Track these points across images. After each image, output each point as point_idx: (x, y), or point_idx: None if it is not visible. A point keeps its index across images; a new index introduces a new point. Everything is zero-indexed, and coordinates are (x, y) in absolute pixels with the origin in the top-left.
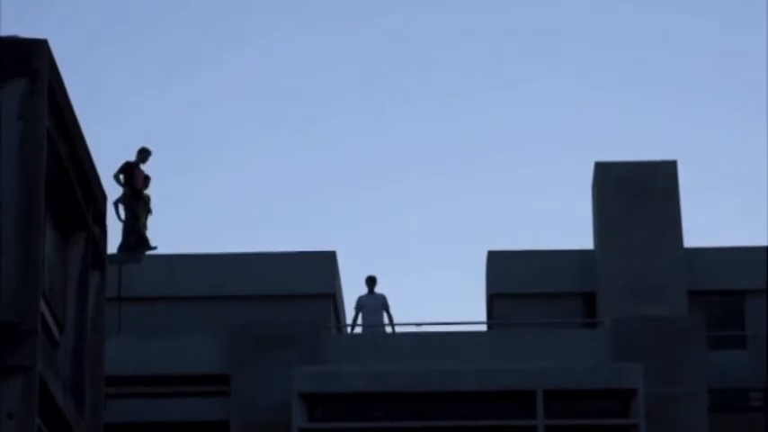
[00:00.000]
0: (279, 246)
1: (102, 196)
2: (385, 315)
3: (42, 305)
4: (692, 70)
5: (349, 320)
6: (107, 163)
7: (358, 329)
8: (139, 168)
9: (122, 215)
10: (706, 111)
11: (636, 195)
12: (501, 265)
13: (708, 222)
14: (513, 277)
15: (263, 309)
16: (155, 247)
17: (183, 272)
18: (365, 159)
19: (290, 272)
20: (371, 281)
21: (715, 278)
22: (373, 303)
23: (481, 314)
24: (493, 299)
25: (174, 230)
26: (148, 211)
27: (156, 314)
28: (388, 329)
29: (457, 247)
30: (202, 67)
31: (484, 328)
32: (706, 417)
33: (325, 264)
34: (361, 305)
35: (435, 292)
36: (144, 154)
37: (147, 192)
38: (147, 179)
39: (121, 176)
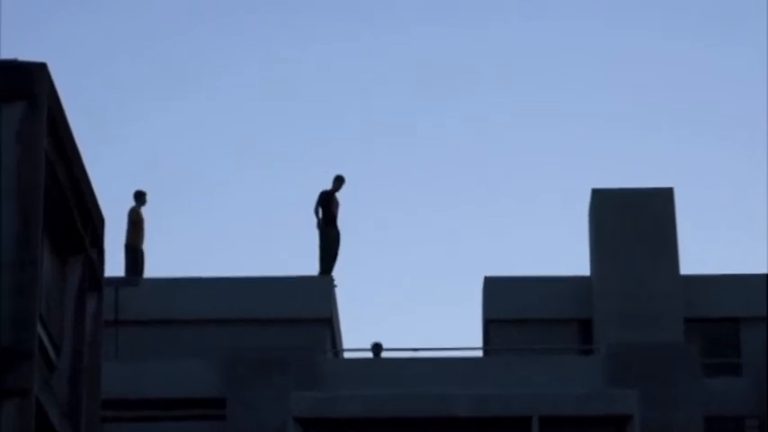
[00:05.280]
0: (276, 270)
1: (100, 219)
2: None
3: (39, 328)
4: (689, 97)
5: (345, 345)
6: (106, 186)
7: (353, 354)
8: (334, 196)
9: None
10: (703, 138)
11: (632, 222)
12: (497, 291)
13: (704, 249)
14: (509, 303)
15: (259, 333)
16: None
17: (180, 295)
18: (362, 185)
19: (286, 296)
20: (377, 348)
21: (711, 305)
22: None
23: (477, 340)
24: (489, 325)
25: (171, 254)
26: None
27: (152, 337)
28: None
29: (453, 272)
30: (202, 91)
31: (480, 353)
32: None
33: (321, 288)
34: None
35: (432, 318)
36: (338, 182)
37: (143, 214)
38: (142, 195)
39: (320, 208)
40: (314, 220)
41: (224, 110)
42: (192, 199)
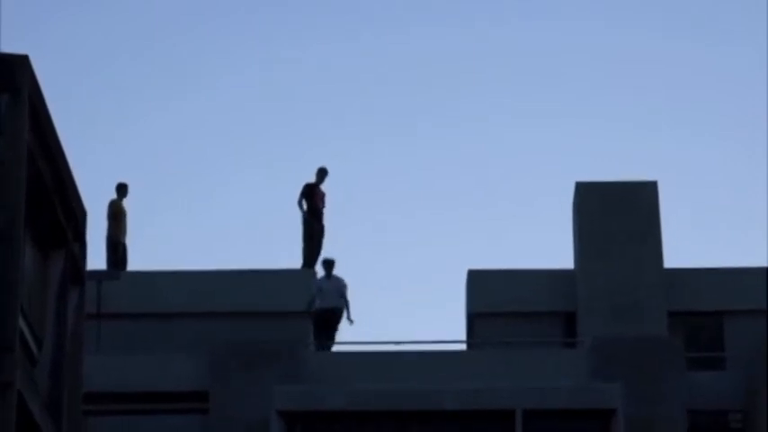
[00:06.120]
0: (258, 263)
1: (82, 213)
2: (343, 301)
3: (21, 322)
4: (687, 96)
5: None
6: (88, 180)
7: (337, 347)
8: (319, 188)
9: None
10: (687, 131)
11: (616, 215)
12: (481, 284)
13: (688, 243)
14: (493, 296)
15: (242, 326)
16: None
17: (163, 288)
18: (345, 179)
19: (269, 289)
20: (329, 264)
21: (695, 299)
22: (331, 288)
23: (461, 333)
24: (473, 318)
25: (153, 247)
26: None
27: (134, 331)
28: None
29: (438, 266)
30: (202, 91)
31: (464, 347)
32: None
33: (304, 281)
34: (318, 289)
35: (416, 311)
36: (321, 174)
37: (124, 207)
38: (123, 188)
39: (304, 201)
40: (299, 214)
41: (224, 110)
42: (175, 192)
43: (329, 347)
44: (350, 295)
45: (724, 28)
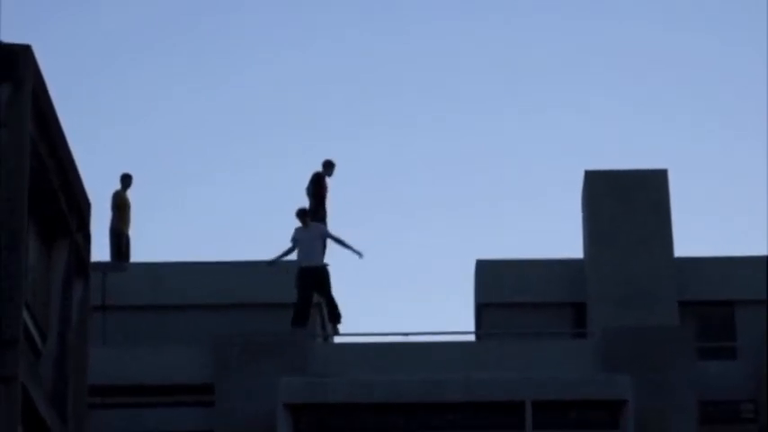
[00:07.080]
0: (264, 254)
1: (86, 204)
2: (329, 241)
3: (25, 314)
4: (684, 79)
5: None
6: (92, 171)
7: (343, 338)
8: (325, 179)
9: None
10: (698, 120)
11: (626, 204)
12: (490, 274)
13: (699, 232)
14: (501, 287)
15: (248, 317)
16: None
17: (168, 280)
18: (351, 167)
19: (275, 280)
20: (302, 213)
21: (705, 288)
22: (309, 236)
23: (470, 324)
24: (481, 308)
25: (158, 238)
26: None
27: (140, 323)
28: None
29: (446, 256)
30: (202, 91)
31: (472, 337)
32: (696, 428)
33: None
34: (295, 240)
35: (424, 302)
36: (330, 167)
37: (128, 198)
38: (127, 178)
39: (312, 188)
40: (307, 202)
41: (224, 110)
42: (180, 183)
43: (335, 334)
44: (339, 237)
45: (738, 18)
